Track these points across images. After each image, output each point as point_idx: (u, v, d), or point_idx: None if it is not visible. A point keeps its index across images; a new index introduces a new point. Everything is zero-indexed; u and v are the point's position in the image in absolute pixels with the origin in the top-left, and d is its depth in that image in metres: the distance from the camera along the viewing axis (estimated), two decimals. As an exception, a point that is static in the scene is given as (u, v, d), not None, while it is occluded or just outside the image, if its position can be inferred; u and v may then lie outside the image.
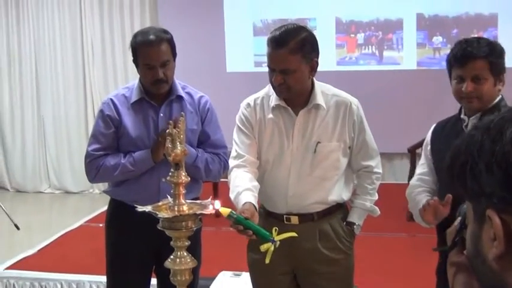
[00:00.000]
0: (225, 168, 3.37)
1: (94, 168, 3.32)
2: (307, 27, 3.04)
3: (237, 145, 3.06)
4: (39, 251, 5.65)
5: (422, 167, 3.05)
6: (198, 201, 2.52)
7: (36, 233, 6.43)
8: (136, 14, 8.36)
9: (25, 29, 8.56)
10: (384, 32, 7.80)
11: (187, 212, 2.37)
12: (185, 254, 2.41)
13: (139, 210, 2.50)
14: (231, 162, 3.05)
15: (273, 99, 2.98)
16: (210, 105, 3.49)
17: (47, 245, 5.79)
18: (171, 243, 2.42)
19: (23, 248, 5.70)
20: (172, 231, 2.38)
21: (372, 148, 3.09)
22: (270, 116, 2.99)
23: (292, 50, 2.82)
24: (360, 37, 7.82)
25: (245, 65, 8.15)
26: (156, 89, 3.25)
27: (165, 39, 3.21)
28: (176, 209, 2.38)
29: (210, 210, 2.41)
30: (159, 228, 2.39)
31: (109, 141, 3.32)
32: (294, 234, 2.67)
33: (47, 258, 5.45)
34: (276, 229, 2.56)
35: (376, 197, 3.14)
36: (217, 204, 2.42)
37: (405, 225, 6.06)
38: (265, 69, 7.80)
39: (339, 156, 2.99)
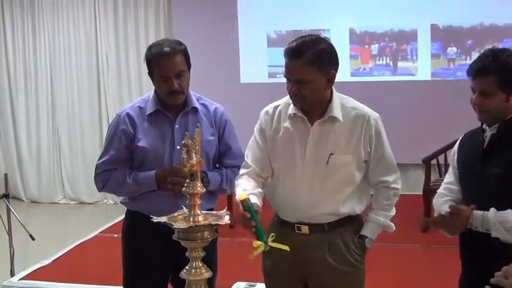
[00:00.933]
0: None
1: (101, 181, 3.34)
2: (326, 38, 3.02)
3: (248, 155, 3.11)
4: (53, 261, 5.67)
5: (449, 176, 3.03)
6: (213, 212, 2.52)
7: (51, 244, 6.44)
8: (150, 25, 8.40)
9: (41, 41, 8.63)
10: (398, 43, 7.79)
11: (202, 222, 2.38)
12: (200, 264, 2.42)
13: (155, 221, 2.51)
14: (240, 171, 3.11)
15: (291, 108, 2.98)
16: (227, 116, 3.50)
17: (61, 256, 5.80)
18: (187, 253, 2.42)
19: (37, 259, 5.71)
20: (187, 242, 2.38)
21: (390, 164, 3.05)
22: (286, 124, 2.99)
23: (307, 61, 2.81)
24: (374, 48, 7.81)
25: (259, 76, 8.15)
26: (172, 100, 3.24)
27: (179, 50, 3.22)
28: (192, 219, 2.39)
29: (225, 221, 2.40)
30: (175, 238, 2.40)
31: (120, 154, 3.30)
32: (286, 248, 2.66)
33: (62, 269, 5.46)
34: (273, 235, 2.58)
35: (393, 212, 3.09)
36: (239, 190, 2.46)
37: (420, 236, 6.04)
38: (279, 80, 7.85)
39: (353, 170, 2.96)
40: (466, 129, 3.00)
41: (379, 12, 7.78)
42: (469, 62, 7.56)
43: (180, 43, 3.28)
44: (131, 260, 3.40)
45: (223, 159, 3.42)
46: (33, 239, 4.97)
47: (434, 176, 6.40)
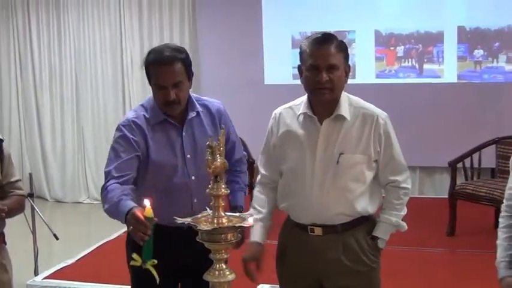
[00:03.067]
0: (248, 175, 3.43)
1: (103, 195, 3.01)
2: None
3: (261, 160, 3.18)
4: (77, 261, 5.69)
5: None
6: (237, 214, 2.49)
7: (75, 243, 6.47)
8: (175, 26, 8.40)
9: (66, 41, 8.67)
10: (424, 45, 7.73)
11: (226, 224, 2.36)
12: (224, 266, 2.40)
13: (179, 222, 2.50)
14: (258, 177, 3.18)
15: (301, 108, 2.99)
16: (224, 111, 3.36)
17: (85, 255, 5.82)
18: (210, 255, 2.41)
19: (61, 258, 5.74)
20: (211, 243, 2.37)
21: (399, 163, 3.03)
22: (295, 125, 3.00)
23: (337, 47, 2.86)
24: (400, 50, 7.75)
25: (283, 77, 8.13)
26: (168, 111, 3.06)
27: (178, 58, 3.01)
28: (215, 221, 2.37)
29: (249, 223, 2.38)
30: (198, 240, 2.38)
31: (125, 166, 3.02)
32: (156, 276, 2.50)
33: (86, 268, 5.48)
34: (154, 261, 2.46)
35: (404, 212, 3.06)
36: (147, 202, 2.44)
37: (445, 240, 5.99)
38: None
39: (363, 169, 2.95)
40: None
41: (405, 14, 7.72)
42: (495, 64, 7.54)
43: (180, 50, 3.07)
44: (137, 271, 3.27)
45: (230, 163, 3.19)
46: (57, 238, 4.99)
47: (460, 180, 6.33)
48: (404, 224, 3.07)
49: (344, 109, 2.93)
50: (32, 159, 8.93)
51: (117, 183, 2.95)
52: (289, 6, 8.07)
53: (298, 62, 2.98)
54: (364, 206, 2.99)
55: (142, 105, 3.17)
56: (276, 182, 3.13)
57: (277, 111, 3.12)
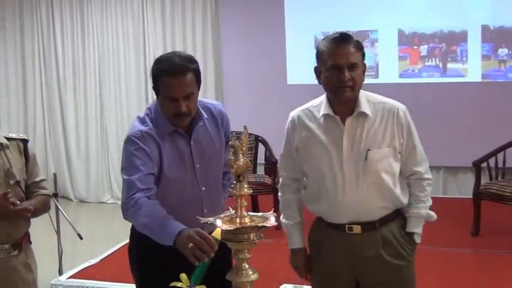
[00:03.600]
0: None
1: (131, 205, 2.83)
2: None
3: (282, 164, 3.20)
4: (101, 260, 5.72)
5: None
6: (259, 214, 2.49)
7: (99, 243, 6.50)
8: (198, 27, 8.41)
9: (89, 40, 8.73)
10: (447, 44, 7.67)
11: (249, 224, 2.36)
12: (247, 266, 2.40)
13: (202, 221, 2.50)
14: (280, 184, 3.22)
15: (322, 109, 2.99)
16: (226, 113, 3.22)
17: (109, 255, 5.85)
18: (233, 255, 2.41)
19: (85, 258, 5.77)
20: (233, 243, 2.37)
21: (421, 154, 3.07)
22: (317, 126, 3.01)
23: (355, 46, 2.89)
24: (423, 49, 7.70)
25: (306, 77, 8.09)
26: (177, 122, 2.94)
27: (190, 69, 2.87)
28: (238, 221, 2.37)
29: (271, 223, 2.38)
30: (222, 241, 2.38)
31: (147, 179, 2.88)
32: None
33: (109, 268, 5.51)
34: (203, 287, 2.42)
35: (430, 202, 3.10)
36: (219, 223, 2.37)
37: (470, 240, 5.95)
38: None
39: (391, 161, 2.98)
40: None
41: (428, 13, 7.67)
42: (520, 63, 7.47)
43: (192, 60, 2.93)
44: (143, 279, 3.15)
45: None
46: (81, 238, 5.02)
47: (484, 180, 6.28)
48: (433, 213, 3.10)
49: (364, 106, 2.95)
50: (56, 159, 9.00)
51: (146, 197, 2.81)
52: (311, 6, 8.05)
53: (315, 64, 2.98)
54: (398, 197, 3.02)
55: (147, 115, 3.01)
56: (299, 184, 3.16)
57: (294, 114, 3.12)
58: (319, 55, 2.95)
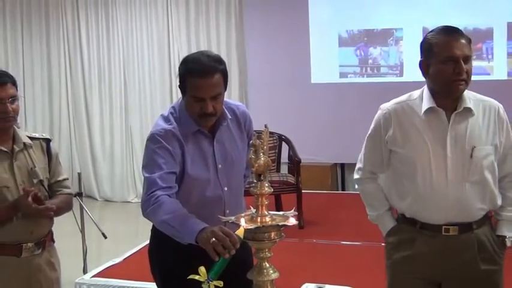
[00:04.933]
0: None
1: (151, 203, 2.81)
2: None
3: (365, 155, 3.10)
4: (125, 259, 5.73)
5: None
6: (280, 213, 2.48)
7: (123, 242, 6.53)
8: (222, 27, 8.45)
9: (114, 41, 8.81)
10: (473, 42, 7.56)
11: (270, 223, 2.35)
12: (268, 265, 2.39)
13: (223, 220, 2.50)
14: (356, 173, 3.14)
15: (424, 102, 2.90)
16: (249, 114, 3.16)
17: (133, 254, 5.86)
18: (254, 253, 2.41)
19: (109, 257, 5.79)
20: (254, 242, 2.37)
21: None
22: (418, 120, 2.91)
23: (467, 39, 2.85)
24: (448, 47, 7.64)
25: (330, 76, 8.10)
26: (203, 123, 2.92)
27: (219, 70, 2.84)
28: (259, 220, 2.36)
29: (292, 222, 2.37)
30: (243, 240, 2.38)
31: (169, 178, 2.86)
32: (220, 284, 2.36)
33: (133, 267, 5.52)
34: (221, 284, 2.33)
35: None
36: (243, 222, 2.37)
37: None
38: (350, 79, 7.71)
39: (493, 160, 2.91)
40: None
41: (453, 11, 7.60)
42: (547, 60, 7.39)
43: (220, 61, 2.90)
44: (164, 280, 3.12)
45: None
46: (105, 237, 5.04)
47: None
48: None
49: (468, 102, 2.88)
50: (81, 159, 9.08)
51: (167, 195, 2.79)
52: (335, 4, 8.05)
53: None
54: (497, 197, 2.96)
55: (172, 114, 2.98)
56: (376, 175, 3.09)
57: (388, 107, 3.00)
58: (429, 48, 2.87)
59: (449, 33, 2.84)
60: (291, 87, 8.16)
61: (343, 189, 8.24)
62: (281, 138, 6.90)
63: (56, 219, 3.40)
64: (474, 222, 2.91)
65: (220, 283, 2.31)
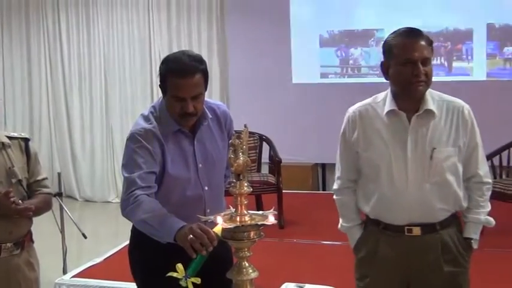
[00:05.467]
0: None
1: (130, 202, 2.81)
2: None
3: (340, 164, 3.11)
4: (105, 259, 5.72)
5: None
6: (260, 212, 2.49)
7: (103, 242, 6.52)
8: (203, 28, 8.44)
9: (95, 41, 8.77)
10: (453, 43, 7.66)
11: (249, 222, 2.36)
12: (247, 264, 2.39)
13: (203, 220, 2.50)
14: (335, 183, 3.13)
15: (386, 105, 2.92)
16: (229, 114, 3.17)
17: (113, 254, 5.85)
18: (233, 253, 2.41)
19: (90, 257, 5.78)
20: (234, 241, 2.37)
21: (482, 155, 3.01)
22: (380, 122, 2.94)
23: (427, 41, 2.85)
24: (428, 48, 7.69)
25: (311, 76, 8.12)
26: (183, 122, 2.92)
27: (200, 69, 2.85)
28: (238, 219, 2.37)
29: (271, 221, 2.38)
30: (221, 239, 2.38)
31: (148, 177, 2.86)
32: (198, 280, 2.39)
33: (113, 267, 5.50)
34: (198, 280, 2.37)
35: (489, 207, 3.03)
36: (220, 220, 2.37)
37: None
38: (331, 80, 7.71)
39: (455, 161, 2.92)
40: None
41: (434, 12, 7.65)
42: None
43: (201, 61, 2.90)
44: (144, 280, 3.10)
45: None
46: (85, 237, 5.02)
47: (489, 178, 6.26)
48: (492, 219, 3.05)
49: (430, 103, 2.89)
50: (61, 159, 9.03)
51: (146, 194, 2.79)
52: (316, 5, 8.06)
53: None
54: (461, 198, 2.97)
55: (152, 114, 2.98)
56: (355, 184, 3.09)
57: (354, 109, 3.03)
58: (388, 49, 2.88)
59: (409, 35, 2.85)
60: (272, 88, 8.16)
61: (323, 189, 8.26)
62: (262, 138, 6.91)
63: (35, 219, 3.38)
64: (438, 223, 2.94)
65: (198, 280, 2.32)
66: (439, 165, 2.88)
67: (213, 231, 2.42)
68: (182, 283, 2.31)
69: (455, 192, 2.94)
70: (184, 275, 2.33)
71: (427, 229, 2.93)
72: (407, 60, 2.80)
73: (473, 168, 2.98)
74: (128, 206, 2.80)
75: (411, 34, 2.86)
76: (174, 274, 2.31)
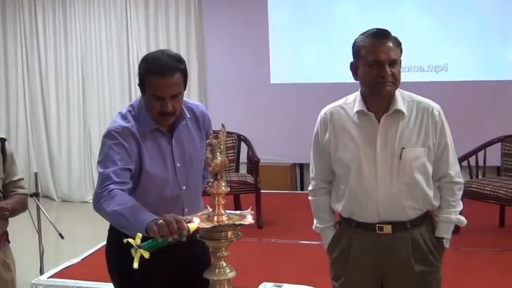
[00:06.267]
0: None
1: (103, 196, 2.77)
2: None
3: (313, 165, 3.15)
4: (82, 260, 5.70)
5: None
6: (237, 212, 2.48)
7: (80, 242, 6.50)
8: (181, 27, 8.43)
9: (72, 40, 8.73)
10: (429, 43, 7.70)
11: (226, 222, 2.36)
12: (225, 264, 2.39)
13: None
14: (310, 184, 3.17)
15: (356, 106, 2.95)
16: (208, 115, 3.16)
17: (90, 254, 5.83)
18: (211, 253, 2.41)
19: (67, 257, 5.75)
20: (211, 241, 2.37)
21: (453, 156, 3.04)
22: (350, 123, 2.97)
23: (395, 42, 2.87)
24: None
25: (289, 76, 8.14)
26: (161, 121, 2.91)
27: (179, 69, 2.84)
28: (216, 219, 2.36)
29: (248, 221, 2.37)
30: (199, 238, 2.38)
31: (123, 173, 2.83)
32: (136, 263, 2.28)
33: (91, 268, 5.49)
34: (147, 254, 2.25)
35: (460, 207, 3.07)
36: (196, 220, 2.36)
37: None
38: (308, 80, 7.71)
39: (425, 161, 2.95)
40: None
41: (415, 13, 7.69)
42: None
43: (180, 60, 2.89)
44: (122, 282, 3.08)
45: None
46: (62, 237, 5.01)
47: (465, 178, 6.28)
48: (463, 218, 3.10)
49: (400, 104, 2.92)
50: (38, 159, 8.97)
51: (120, 189, 2.75)
52: (295, 5, 8.07)
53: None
54: (431, 197, 3.00)
55: (130, 112, 2.96)
56: (330, 185, 3.12)
57: (326, 111, 3.06)
58: (357, 51, 2.91)
59: (377, 36, 2.87)
60: (251, 88, 8.17)
61: (301, 189, 8.28)
62: (240, 138, 6.92)
63: (12, 219, 3.37)
64: (409, 222, 2.97)
65: (147, 254, 2.25)
66: (408, 165, 2.91)
67: (187, 225, 2.38)
68: (132, 250, 2.25)
69: (424, 191, 2.97)
70: (139, 244, 2.26)
71: (397, 227, 2.97)
72: (374, 61, 2.83)
73: (444, 168, 3.01)
74: (101, 199, 2.76)
75: (379, 35, 2.88)
76: (130, 240, 2.26)
